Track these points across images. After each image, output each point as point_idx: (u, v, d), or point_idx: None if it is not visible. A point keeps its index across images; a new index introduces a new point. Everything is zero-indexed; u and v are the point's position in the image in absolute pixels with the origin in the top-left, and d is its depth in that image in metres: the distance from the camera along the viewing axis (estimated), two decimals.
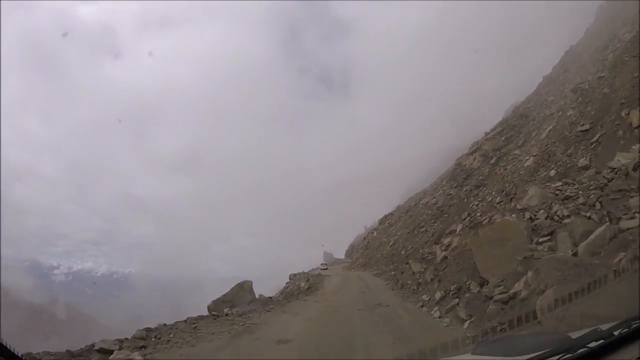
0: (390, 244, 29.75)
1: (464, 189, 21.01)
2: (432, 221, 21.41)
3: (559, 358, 1.93)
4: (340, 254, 63.51)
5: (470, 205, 16.85)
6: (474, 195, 17.72)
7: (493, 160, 20.21)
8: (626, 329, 2.07)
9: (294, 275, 27.44)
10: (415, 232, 24.16)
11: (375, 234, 41.89)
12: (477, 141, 25.84)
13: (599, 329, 2.10)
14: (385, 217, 43.51)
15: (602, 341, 2.00)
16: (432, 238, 17.88)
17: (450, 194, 23.00)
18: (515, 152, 17.61)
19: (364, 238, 46.78)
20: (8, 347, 2.30)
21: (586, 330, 2.17)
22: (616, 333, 2.05)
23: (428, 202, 28.45)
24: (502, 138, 21.83)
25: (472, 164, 23.31)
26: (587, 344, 1.99)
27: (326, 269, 44.71)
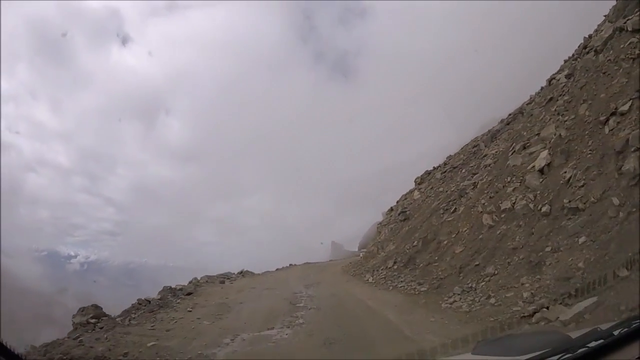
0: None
1: None
2: None
3: (559, 358, 1.93)
4: (353, 247, 60.04)
5: None
6: None
7: None
8: (626, 329, 2.07)
9: (198, 281, 16.13)
10: None
11: (417, 194, 21.43)
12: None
13: (598, 329, 2.11)
14: (428, 173, 23.56)
15: (601, 341, 2.00)
16: None
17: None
18: None
19: (391, 210, 24.18)
20: (8, 347, 2.31)
21: (586, 330, 2.17)
22: (616, 333, 2.05)
23: None
24: None
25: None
26: (587, 343, 1.99)
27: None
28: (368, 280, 13.55)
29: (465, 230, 10.91)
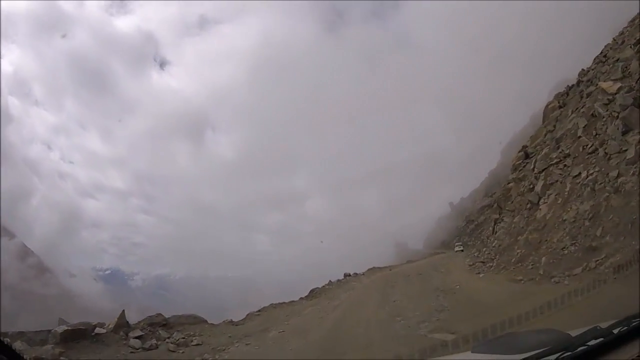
0: None
1: None
2: None
3: (559, 356, 1.93)
4: (416, 245, 55.55)
5: None
6: None
7: None
8: (626, 327, 2.07)
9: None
10: None
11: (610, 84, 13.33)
12: None
13: (598, 327, 2.11)
14: (570, 87, 19.66)
15: (601, 339, 2.00)
16: None
17: None
18: None
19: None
20: (9, 346, 2.31)
21: (586, 328, 2.17)
22: (616, 331, 2.05)
23: None
24: None
25: None
26: (587, 342, 1.99)
27: None
28: None
29: None
